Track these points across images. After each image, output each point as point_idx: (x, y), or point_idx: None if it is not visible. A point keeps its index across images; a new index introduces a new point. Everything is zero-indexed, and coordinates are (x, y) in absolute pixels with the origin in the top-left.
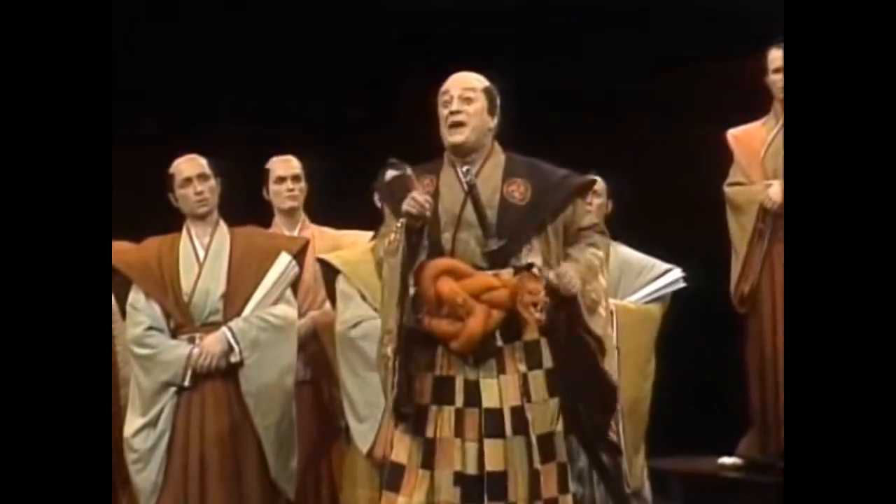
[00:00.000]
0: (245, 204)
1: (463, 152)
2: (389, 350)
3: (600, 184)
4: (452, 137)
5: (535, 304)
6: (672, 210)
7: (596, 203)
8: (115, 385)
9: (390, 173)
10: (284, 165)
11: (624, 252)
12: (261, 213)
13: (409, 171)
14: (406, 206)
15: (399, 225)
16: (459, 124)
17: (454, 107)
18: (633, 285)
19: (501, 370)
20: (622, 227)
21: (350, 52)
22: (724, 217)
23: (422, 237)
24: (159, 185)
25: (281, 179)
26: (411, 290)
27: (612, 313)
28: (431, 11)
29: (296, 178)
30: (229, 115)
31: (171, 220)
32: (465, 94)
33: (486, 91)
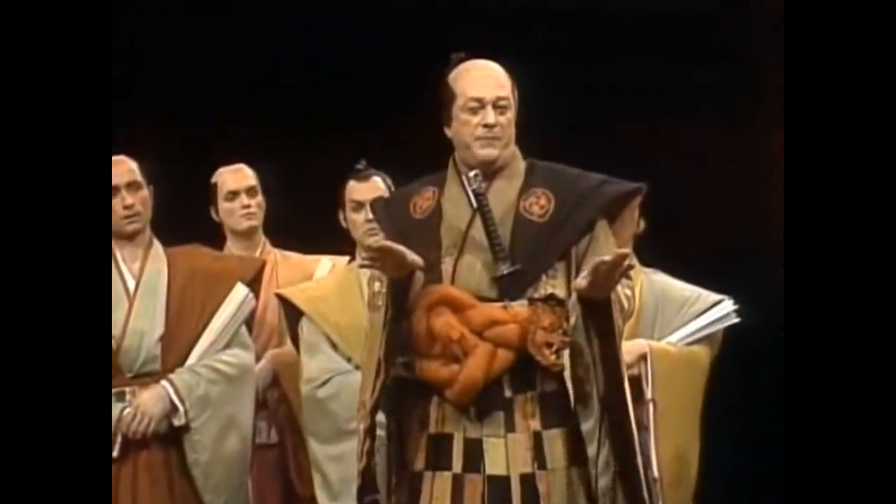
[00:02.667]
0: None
1: (491, 168)
2: (362, 428)
3: None
4: (483, 151)
5: (549, 345)
6: (723, 229)
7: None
8: None
9: (355, 183)
10: (236, 177)
11: (662, 281)
12: (214, 232)
13: (379, 178)
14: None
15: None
16: (492, 139)
17: (490, 119)
18: (673, 322)
19: (510, 428)
20: (659, 249)
21: (341, 50)
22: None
23: (409, 292)
24: (159, 188)
25: (233, 194)
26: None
27: (645, 358)
28: (429, 9)
29: (251, 192)
30: (211, 116)
31: (174, 224)
32: (501, 103)
33: (514, 92)
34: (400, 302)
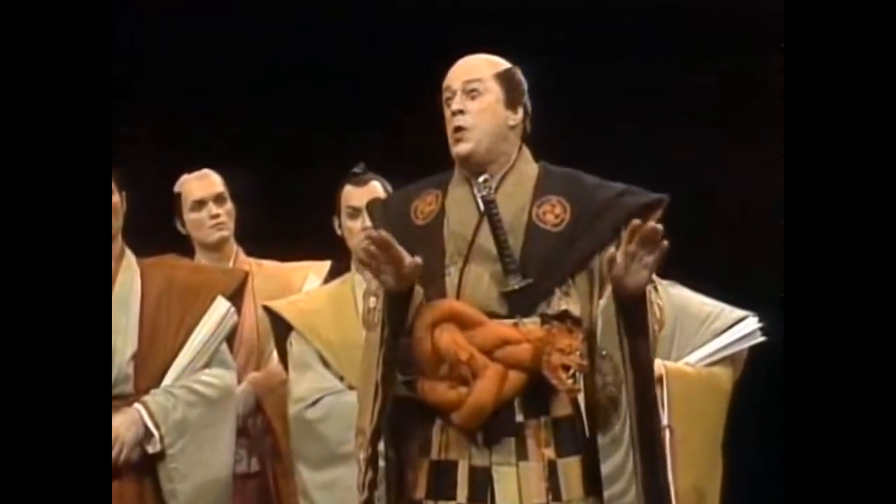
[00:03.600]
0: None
1: (473, 165)
2: (362, 457)
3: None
4: (456, 147)
5: (566, 367)
6: (746, 237)
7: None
8: None
9: (352, 188)
10: (202, 185)
11: (680, 295)
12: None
13: (377, 183)
14: (362, 245)
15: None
16: (461, 129)
17: (455, 105)
18: (692, 340)
19: (522, 455)
20: (676, 260)
21: (341, 50)
22: None
23: (408, 308)
24: (158, 196)
25: (200, 204)
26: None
27: (661, 380)
28: (429, 9)
29: (219, 200)
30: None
31: (150, 232)
32: (470, 87)
33: (501, 77)
34: (398, 318)
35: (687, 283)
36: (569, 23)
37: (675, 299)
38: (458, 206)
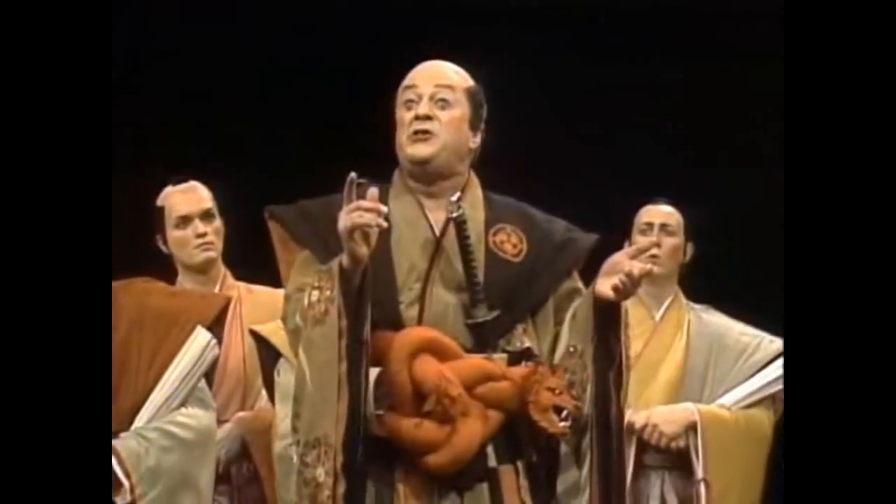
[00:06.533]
0: None
1: (428, 175)
2: (322, 470)
3: (675, 216)
4: (414, 149)
5: (557, 409)
6: (746, 240)
7: (669, 244)
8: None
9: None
10: (188, 199)
11: (716, 323)
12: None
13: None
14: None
15: (324, 270)
16: (426, 133)
17: (422, 109)
18: (728, 376)
19: (497, 503)
20: (711, 282)
21: (342, 50)
22: None
23: (366, 288)
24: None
25: (185, 220)
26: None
27: (694, 427)
28: (428, 9)
29: (207, 216)
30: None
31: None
32: (440, 94)
33: (470, 94)
34: (356, 306)
35: (686, 284)
36: (569, 24)
37: (709, 328)
38: (409, 225)
